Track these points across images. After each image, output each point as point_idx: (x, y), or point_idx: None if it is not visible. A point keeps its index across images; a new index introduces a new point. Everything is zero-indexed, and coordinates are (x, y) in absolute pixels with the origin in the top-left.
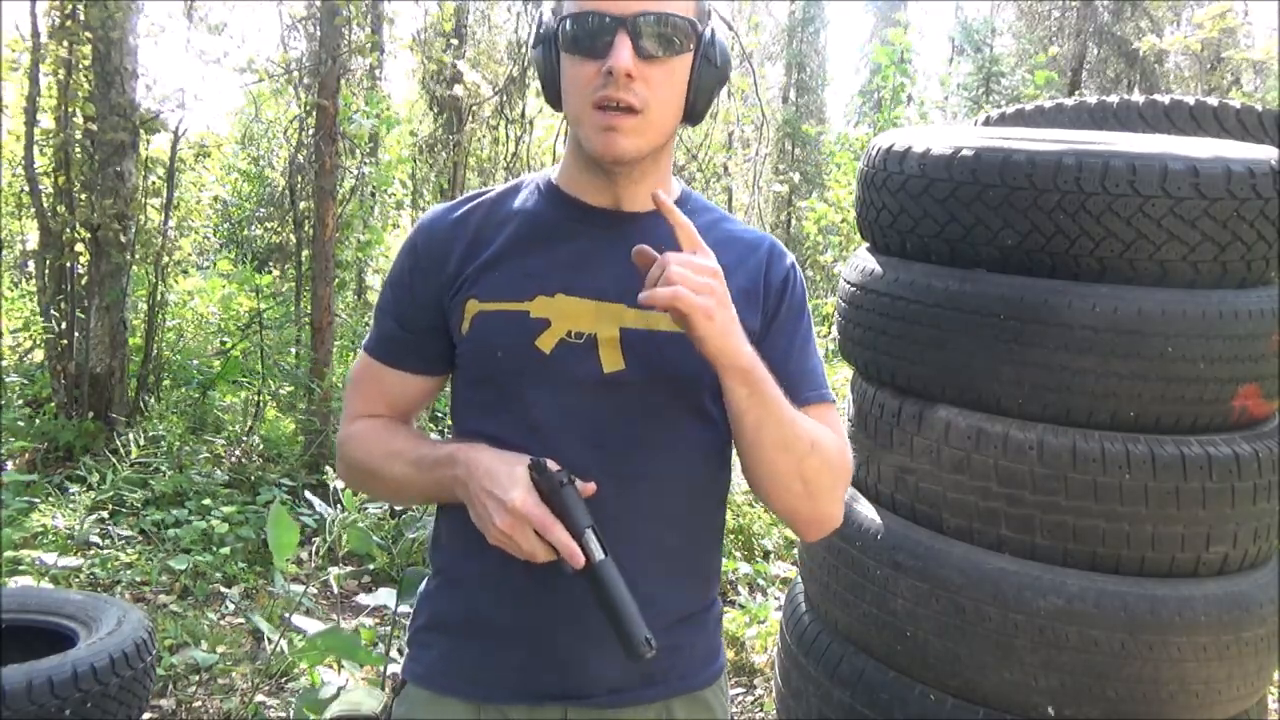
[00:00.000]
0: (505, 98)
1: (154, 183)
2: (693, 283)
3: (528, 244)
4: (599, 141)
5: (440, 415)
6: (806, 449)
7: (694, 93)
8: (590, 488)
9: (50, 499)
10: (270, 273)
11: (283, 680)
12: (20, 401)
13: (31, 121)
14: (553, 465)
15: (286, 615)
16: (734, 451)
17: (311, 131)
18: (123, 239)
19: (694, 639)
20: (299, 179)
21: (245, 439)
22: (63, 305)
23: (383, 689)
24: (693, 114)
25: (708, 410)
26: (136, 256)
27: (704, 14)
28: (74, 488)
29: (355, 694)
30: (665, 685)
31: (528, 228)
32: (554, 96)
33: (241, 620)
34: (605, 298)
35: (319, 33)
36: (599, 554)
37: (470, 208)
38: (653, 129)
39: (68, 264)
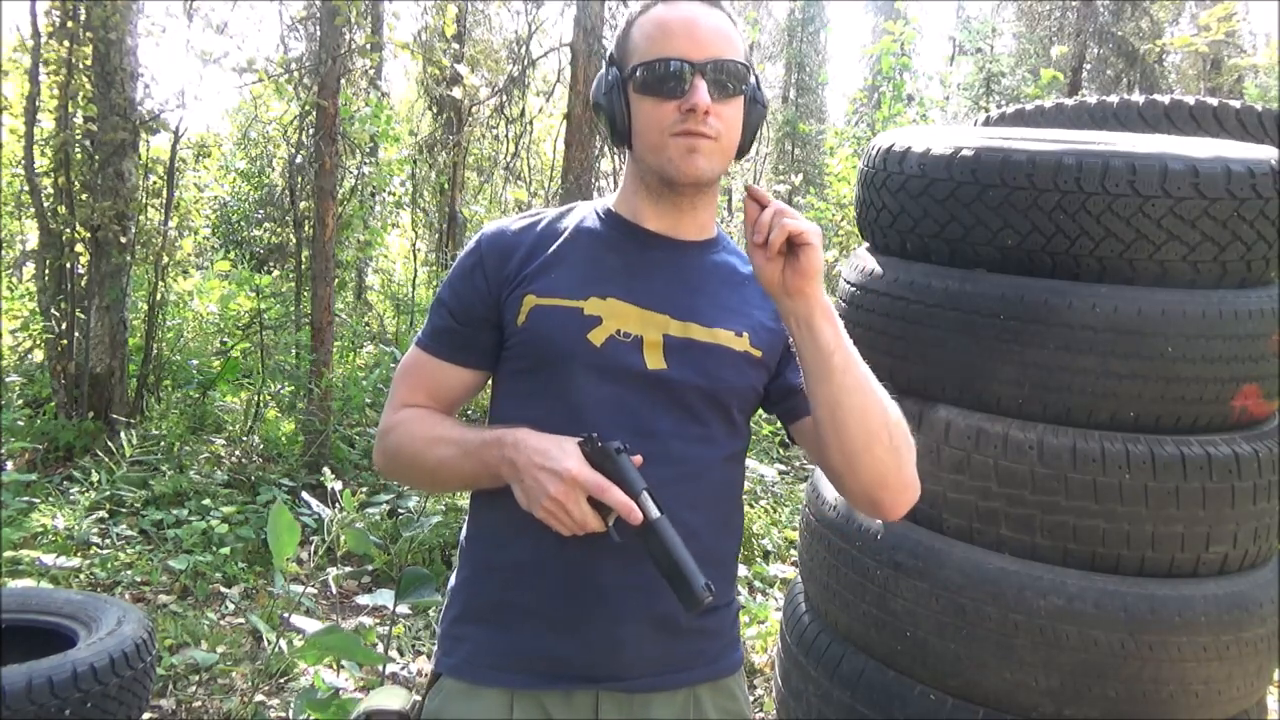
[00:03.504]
0: (505, 98)
1: (154, 183)
2: (805, 222)
3: (585, 252)
4: (684, 163)
5: (470, 413)
6: (886, 399)
7: (747, 129)
8: (639, 459)
9: (50, 499)
10: (270, 273)
11: (283, 680)
12: (20, 401)
13: (31, 121)
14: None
15: (286, 615)
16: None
17: (311, 131)
18: (123, 239)
19: (719, 626)
20: (299, 179)
21: (245, 439)
22: (63, 305)
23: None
24: (743, 149)
25: (734, 418)
26: (136, 256)
27: (750, 60)
28: (74, 488)
29: (383, 692)
30: (693, 670)
31: (585, 239)
32: (622, 134)
33: (241, 620)
34: (653, 307)
35: (319, 33)
36: (655, 512)
37: (530, 222)
38: (723, 154)
39: (68, 264)
